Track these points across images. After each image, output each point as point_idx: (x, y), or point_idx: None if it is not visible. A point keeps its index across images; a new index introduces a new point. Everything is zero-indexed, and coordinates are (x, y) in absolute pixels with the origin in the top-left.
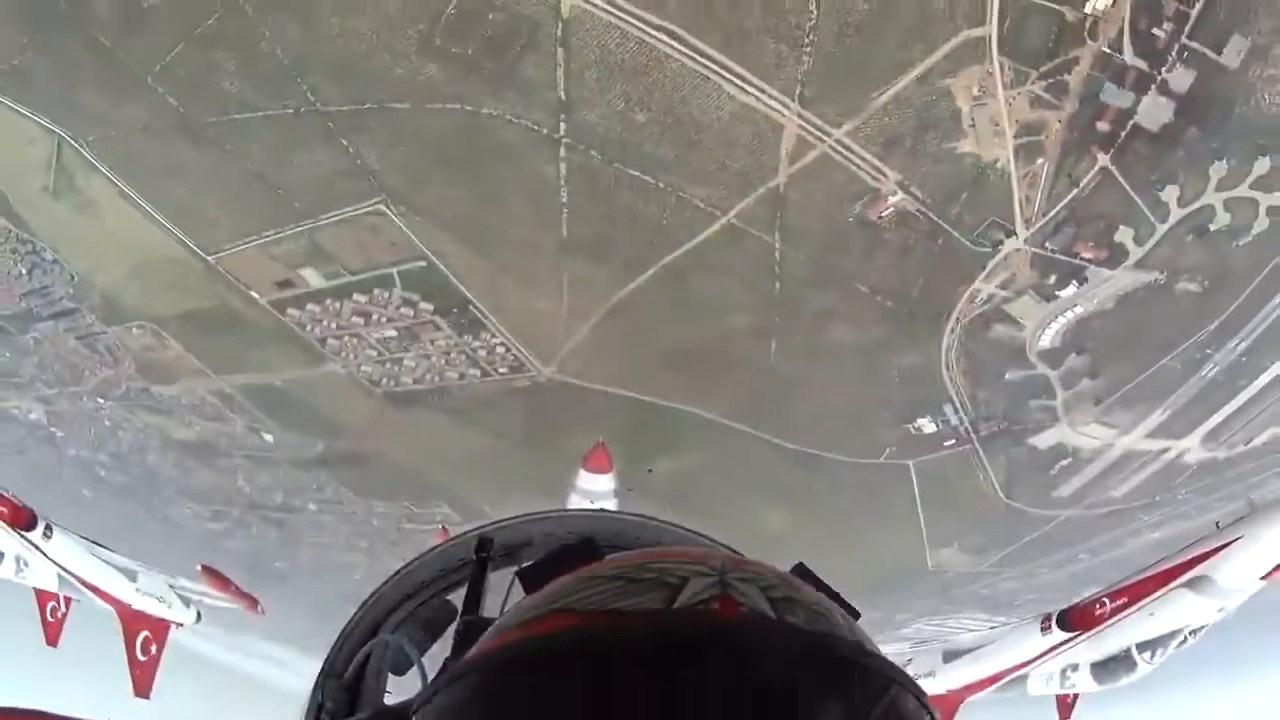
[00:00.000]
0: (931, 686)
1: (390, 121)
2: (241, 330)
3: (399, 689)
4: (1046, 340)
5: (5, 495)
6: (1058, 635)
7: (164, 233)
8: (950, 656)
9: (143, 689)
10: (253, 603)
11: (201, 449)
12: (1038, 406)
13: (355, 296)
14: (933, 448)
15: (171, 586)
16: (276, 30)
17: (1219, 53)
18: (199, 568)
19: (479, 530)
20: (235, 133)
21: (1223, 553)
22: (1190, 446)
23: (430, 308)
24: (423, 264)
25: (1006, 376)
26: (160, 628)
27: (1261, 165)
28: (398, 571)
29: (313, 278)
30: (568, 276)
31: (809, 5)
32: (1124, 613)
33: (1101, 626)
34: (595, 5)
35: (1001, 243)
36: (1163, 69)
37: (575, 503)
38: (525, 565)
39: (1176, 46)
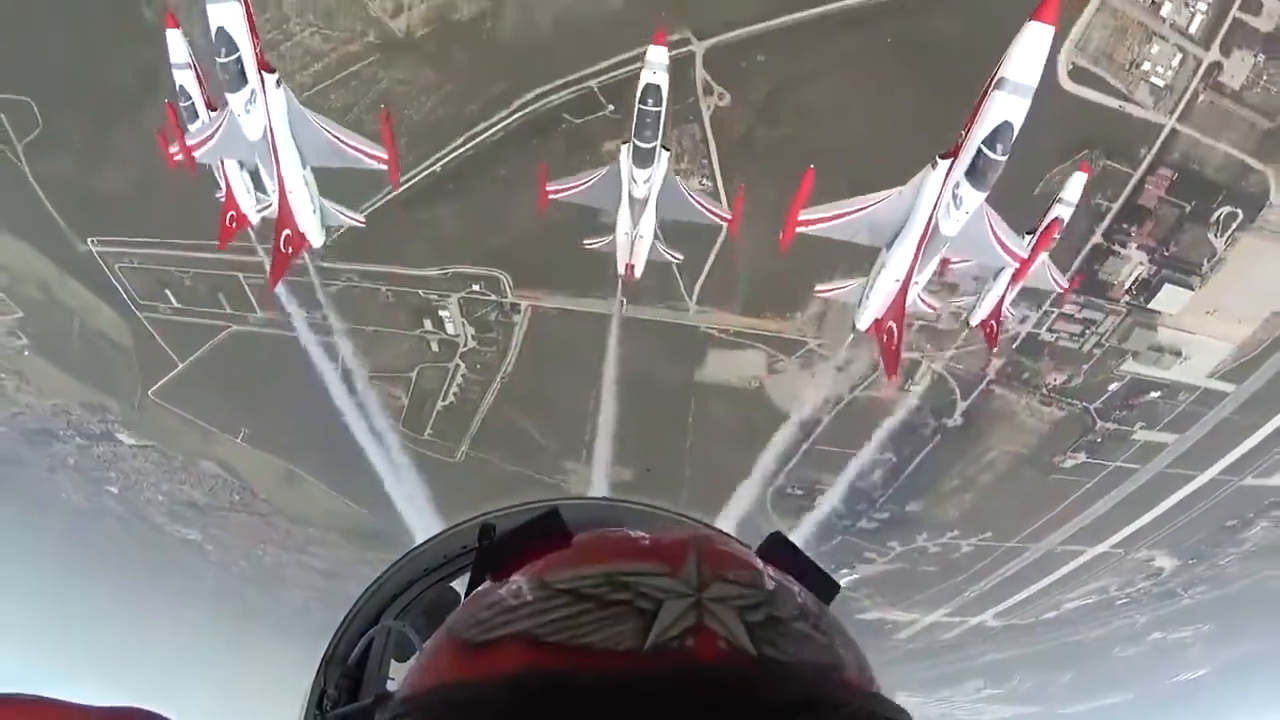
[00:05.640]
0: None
1: None
2: (373, 540)
3: (401, 676)
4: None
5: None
6: (943, 166)
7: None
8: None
9: (274, 281)
10: (396, 169)
11: (330, 574)
12: (849, 598)
13: None
14: None
15: (340, 138)
16: None
17: (904, 506)
18: (383, 107)
19: (482, 517)
20: None
21: (1004, 55)
22: (986, 619)
23: None
24: None
25: None
26: (299, 240)
27: (953, 536)
28: (401, 558)
29: None
30: None
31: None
32: (972, 125)
33: (965, 141)
34: None
35: None
36: (867, 514)
37: (645, 74)
38: (486, 544)
39: (874, 507)
